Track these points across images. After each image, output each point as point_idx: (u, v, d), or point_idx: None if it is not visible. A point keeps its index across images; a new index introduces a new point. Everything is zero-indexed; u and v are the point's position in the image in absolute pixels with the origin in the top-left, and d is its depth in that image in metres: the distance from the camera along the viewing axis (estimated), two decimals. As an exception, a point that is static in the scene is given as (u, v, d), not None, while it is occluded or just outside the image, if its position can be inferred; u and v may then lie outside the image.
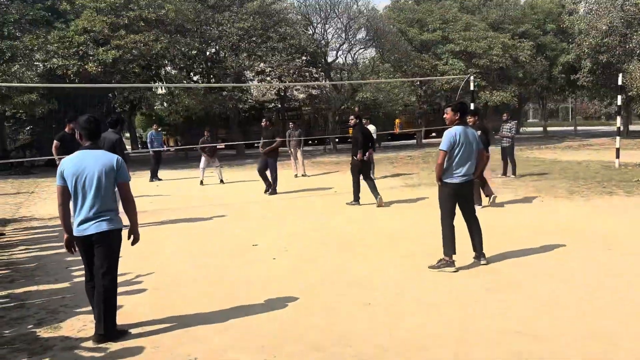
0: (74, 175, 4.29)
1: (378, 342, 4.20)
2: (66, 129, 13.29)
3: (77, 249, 4.48)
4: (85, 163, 4.33)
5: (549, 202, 10.40)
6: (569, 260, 6.28)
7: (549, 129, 43.48)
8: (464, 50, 28.60)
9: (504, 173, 14.63)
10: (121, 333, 4.44)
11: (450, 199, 6.11)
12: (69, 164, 4.34)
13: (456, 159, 6.01)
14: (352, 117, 11.16)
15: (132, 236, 4.54)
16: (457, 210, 6.20)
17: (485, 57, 28.21)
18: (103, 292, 4.31)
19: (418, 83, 30.42)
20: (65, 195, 4.35)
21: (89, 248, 4.37)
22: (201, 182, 15.61)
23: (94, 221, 4.30)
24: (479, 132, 7.22)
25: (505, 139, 14.40)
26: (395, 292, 5.35)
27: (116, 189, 4.45)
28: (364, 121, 15.92)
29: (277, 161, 12.89)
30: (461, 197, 6.18)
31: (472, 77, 15.12)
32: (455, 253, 6.05)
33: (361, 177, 10.78)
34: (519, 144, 27.78)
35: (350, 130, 11.99)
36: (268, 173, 12.75)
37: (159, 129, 18.68)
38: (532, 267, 6.07)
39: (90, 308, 4.82)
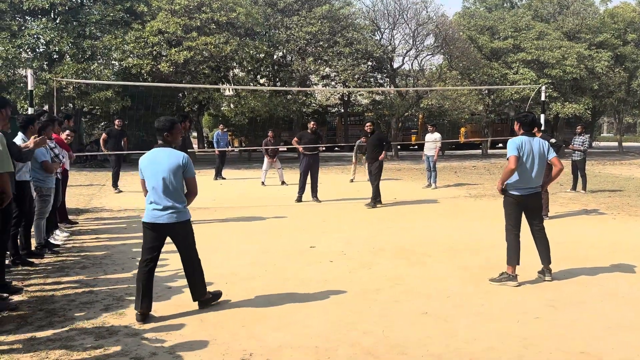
0: (149, 169, 4.79)
1: (433, 351, 4.12)
2: (115, 125, 14.38)
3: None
4: (158, 159, 4.78)
5: (622, 220, 9.90)
6: (641, 282, 5.95)
7: (624, 144, 41.38)
8: (536, 60, 27.73)
9: (574, 188, 14.05)
10: (215, 295, 5.14)
11: (514, 210, 5.91)
12: (144, 160, 4.84)
13: (519, 169, 5.79)
14: (369, 124, 11.82)
15: None
16: (524, 222, 6.01)
17: (558, 67, 27.23)
18: (192, 267, 4.99)
19: (486, 92, 29.72)
20: (145, 188, 4.92)
21: (157, 234, 4.83)
22: (262, 183, 15.88)
23: (166, 212, 4.76)
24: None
25: (577, 152, 13.84)
26: (453, 303, 5.24)
27: None
28: (429, 128, 15.81)
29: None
30: (527, 209, 5.98)
31: (543, 88, 14.65)
32: (519, 264, 5.86)
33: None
34: (591, 158, 26.59)
35: (413, 138, 12.18)
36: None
37: (225, 129, 19.15)
38: (600, 286, 5.79)
39: (153, 297, 5.01)
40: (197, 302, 5.04)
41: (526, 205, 5.94)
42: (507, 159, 5.81)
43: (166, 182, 4.72)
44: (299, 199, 12.13)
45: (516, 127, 6.04)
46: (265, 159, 16.19)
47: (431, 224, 9.55)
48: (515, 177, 5.82)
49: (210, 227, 9.21)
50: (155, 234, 4.82)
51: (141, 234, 8.66)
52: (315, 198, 12.22)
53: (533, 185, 5.87)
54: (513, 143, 5.79)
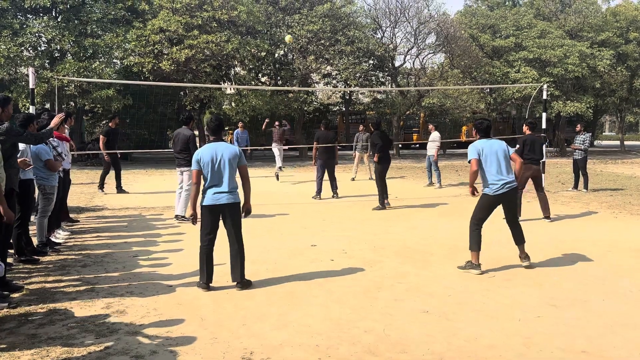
0: (210, 159, 5.53)
1: (435, 349, 4.12)
2: (111, 124, 13.83)
3: (199, 218, 5.66)
4: (218, 151, 5.58)
5: (624, 219, 9.88)
6: (643, 281, 5.93)
7: (626, 143, 41.29)
8: (538, 58, 27.65)
9: (575, 186, 14.03)
10: (250, 283, 5.71)
11: (486, 208, 6.38)
12: (204, 152, 5.58)
13: (489, 169, 6.28)
14: (374, 124, 11.71)
15: (244, 209, 5.72)
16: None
17: (560, 66, 27.15)
18: (238, 247, 5.62)
19: (488, 90, 29.66)
20: (198, 177, 5.61)
21: (216, 215, 5.59)
22: (280, 168, 16.62)
23: (226, 194, 5.54)
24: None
25: (577, 151, 13.82)
26: (455, 301, 5.23)
27: None
28: (429, 127, 15.81)
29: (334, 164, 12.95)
30: (503, 205, 6.43)
31: (545, 86, 14.62)
32: (480, 249, 6.27)
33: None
34: (593, 157, 26.54)
35: (415, 136, 12.19)
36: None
37: (244, 128, 18.99)
38: (602, 285, 5.78)
39: (154, 296, 5.02)
40: (236, 283, 5.61)
41: (501, 202, 6.38)
42: (469, 162, 6.38)
43: (227, 169, 5.53)
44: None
45: (473, 132, 6.67)
46: (275, 152, 16.55)
47: (432, 223, 9.54)
48: (489, 177, 6.30)
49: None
50: (214, 216, 5.58)
51: (142, 232, 8.69)
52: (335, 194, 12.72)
53: (506, 180, 6.27)
54: (473, 147, 6.40)
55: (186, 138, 9.44)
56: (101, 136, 13.64)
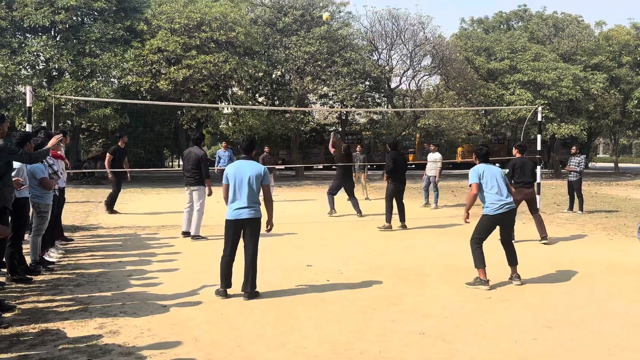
0: (235, 175, 5.96)
1: (431, 373, 4.08)
2: (119, 143, 13.48)
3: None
4: (244, 168, 6.00)
5: (619, 241, 9.89)
6: (639, 303, 5.92)
7: (620, 165, 41.53)
8: (532, 81, 27.92)
9: (570, 208, 14.06)
10: (258, 294, 6.03)
11: (487, 228, 6.70)
12: (232, 168, 6.06)
13: (489, 192, 6.64)
14: (391, 144, 11.87)
15: (269, 225, 6.12)
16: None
17: (554, 89, 27.40)
18: (251, 260, 5.97)
19: (483, 112, 29.89)
20: (226, 192, 6.05)
21: (238, 228, 5.97)
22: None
23: (247, 209, 5.92)
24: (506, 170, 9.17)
25: (572, 173, 13.87)
26: (452, 323, 5.20)
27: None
28: (431, 148, 15.82)
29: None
30: (501, 226, 6.78)
31: (539, 108, 14.73)
32: (485, 265, 6.52)
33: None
34: (587, 179, 26.65)
35: (411, 157, 12.24)
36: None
37: (228, 147, 18.42)
38: (598, 306, 5.76)
39: (148, 316, 4.98)
40: (244, 293, 5.96)
41: (500, 223, 6.73)
42: (470, 186, 6.75)
43: (249, 186, 5.90)
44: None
45: (473, 157, 6.98)
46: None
47: (429, 243, 9.52)
48: (488, 197, 6.65)
49: (206, 244, 9.16)
50: (236, 229, 5.95)
51: (137, 251, 8.64)
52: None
53: (505, 201, 6.64)
54: (474, 172, 6.76)
55: (198, 157, 9.59)
56: (108, 154, 13.27)
